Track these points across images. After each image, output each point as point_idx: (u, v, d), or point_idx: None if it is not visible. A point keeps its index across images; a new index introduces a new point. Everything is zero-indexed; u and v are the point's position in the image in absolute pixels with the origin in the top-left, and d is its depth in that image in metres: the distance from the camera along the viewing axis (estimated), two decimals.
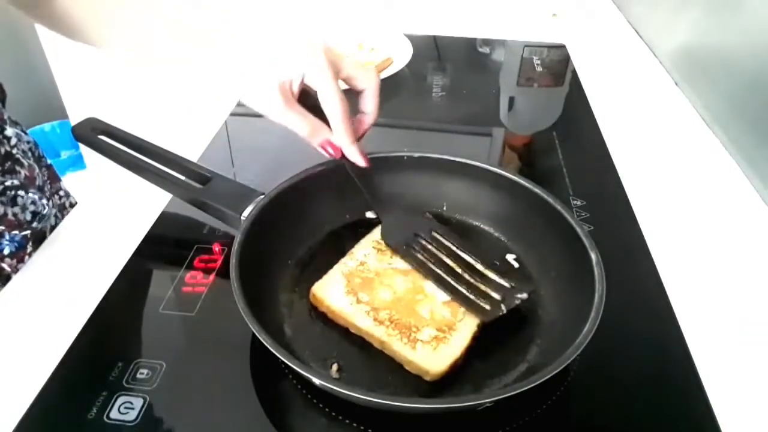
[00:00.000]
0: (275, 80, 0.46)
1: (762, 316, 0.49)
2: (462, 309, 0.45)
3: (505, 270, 0.47)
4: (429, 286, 0.46)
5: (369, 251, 0.50)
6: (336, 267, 0.49)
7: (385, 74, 0.85)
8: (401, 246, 0.49)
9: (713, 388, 0.42)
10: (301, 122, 0.47)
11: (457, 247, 0.48)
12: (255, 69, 0.46)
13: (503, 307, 0.44)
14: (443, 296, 0.46)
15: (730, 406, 0.41)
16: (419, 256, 0.48)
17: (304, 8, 1.14)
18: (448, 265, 0.47)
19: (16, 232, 0.56)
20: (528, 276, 0.49)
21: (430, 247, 0.49)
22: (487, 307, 0.44)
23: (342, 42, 0.96)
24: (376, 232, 0.52)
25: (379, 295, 0.46)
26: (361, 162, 0.49)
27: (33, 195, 0.59)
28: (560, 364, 0.35)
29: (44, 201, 0.60)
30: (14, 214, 0.56)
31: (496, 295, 0.45)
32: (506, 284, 0.45)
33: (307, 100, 0.47)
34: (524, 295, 0.44)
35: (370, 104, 0.49)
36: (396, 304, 0.45)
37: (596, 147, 0.71)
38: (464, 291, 0.45)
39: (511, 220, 0.53)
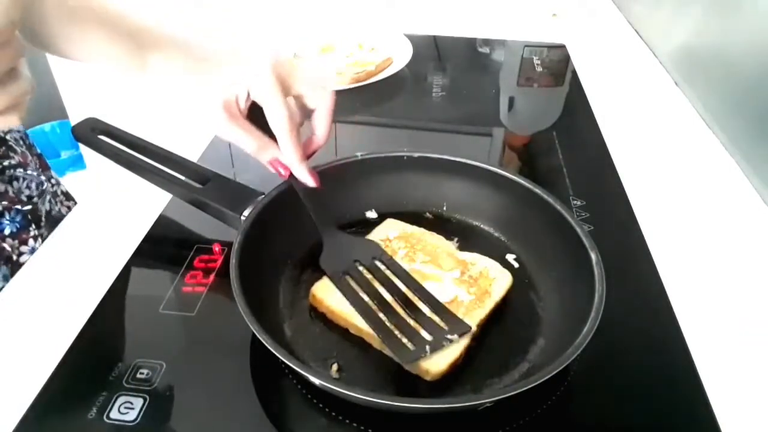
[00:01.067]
0: (219, 96, 0.45)
1: (762, 316, 0.49)
2: (462, 309, 0.44)
3: (444, 308, 0.44)
4: (428, 286, 0.46)
5: None
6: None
7: (384, 74, 0.85)
8: (336, 273, 0.46)
9: (713, 388, 0.42)
10: (246, 139, 0.46)
11: (399, 279, 0.46)
12: (200, 84, 0.46)
13: (428, 348, 0.40)
14: (443, 297, 0.45)
15: (730, 406, 0.41)
16: (352, 284, 0.45)
17: (272, 14, 1.13)
18: (381, 296, 0.44)
19: (18, 207, 0.57)
20: (462, 318, 0.44)
21: (367, 275, 0.46)
22: (411, 346, 0.40)
23: (342, 41, 0.96)
24: (376, 232, 0.52)
25: (380, 296, 0.45)
26: (309, 182, 0.47)
27: (31, 173, 0.59)
28: (560, 364, 0.35)
29: (42, 178, 0.61)
30: (14, 192, 0.57)
31: (425, 335, 0.41)
32: (440, 324, 0.42)
33: (261, 116, 0.45)
34: (455, 337, 0.41)
35: (320, 125, 0.47)
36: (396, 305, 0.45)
37: (596, 147, 0.71)
38: (390, 326, 0.42)
39: (512, 220, 0.53)
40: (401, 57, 0.89)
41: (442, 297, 0.45)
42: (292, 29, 1.02)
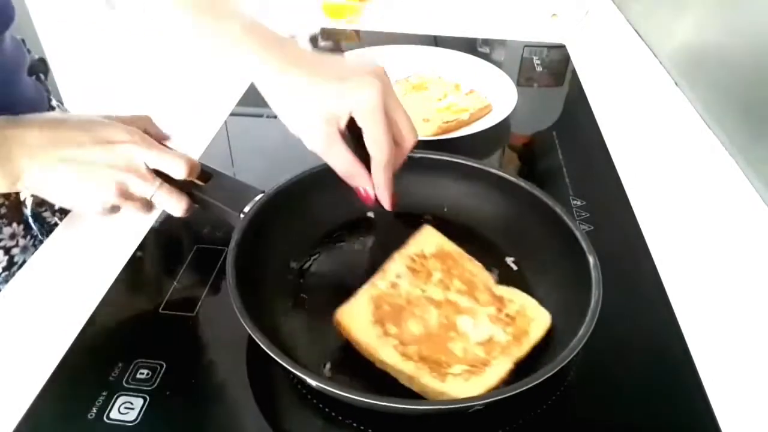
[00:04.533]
0: (323, 109, 0.43)
1: (762, 316, 0.49)
2: (497, 349, 0.41)
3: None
4: (462, 322, 0.43)
5: (402, 271, 0.47)
6: (365, 288, 0.45)
7: (479, 126, 0.70)
8: None
9: (713, 388, 0.42)
10: (343, 162, 0.46)
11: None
12: (300, 93, 0.44)
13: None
14: (477, 336, 0.42)
15: (730, 406, 0.41)
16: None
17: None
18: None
19: None
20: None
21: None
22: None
23: (436, 78, 0.83)
24: (413, 245, 0.49)
25: (409, 328, 0.43)
26: (388, 206, 0.48)
27: None
28: (553, 368, 0.35)
29: None
30: None
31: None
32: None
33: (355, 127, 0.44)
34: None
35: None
36: (426, 340, 0.42)
37: (596, 147, 0.71)
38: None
39: (511, 222, 0.52)
40: (503, 105, 0.73)
41: (476, 335, 0.43)
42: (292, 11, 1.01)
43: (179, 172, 0.45)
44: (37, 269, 0.52)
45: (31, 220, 0.59)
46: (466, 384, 0.39)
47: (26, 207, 0.59)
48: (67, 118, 0.46)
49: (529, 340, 0.42)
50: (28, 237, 0.59)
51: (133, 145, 0.44)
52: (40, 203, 0.60)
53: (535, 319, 0.44)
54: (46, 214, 0.61)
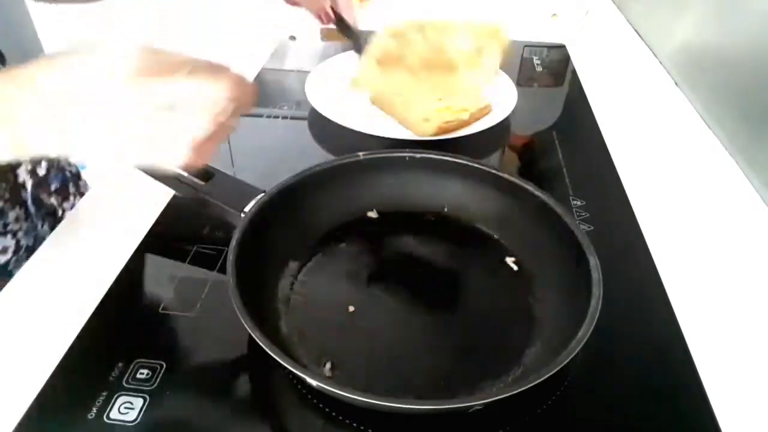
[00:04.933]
0: None
1: (762, 316, 0.49)
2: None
3: None
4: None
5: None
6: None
7: (479, 126, 0.70)
8: None
9: (713, 388, 0.42)
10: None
11: None
12: None
13: None
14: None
15: (730, 406, 0.41)
16: None
17: None
18: None
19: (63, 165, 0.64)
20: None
21: None
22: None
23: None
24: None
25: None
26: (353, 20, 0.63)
27: None
28: (551, 369, 0.36)
29: None
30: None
31: None
32: None
33: None
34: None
35: None
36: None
37: (596, 147, 0.71)
38: None
39: (511, 223, 0.53)
40: (503, 106, 0.73)
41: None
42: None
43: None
44: (37, 269, 0.52)
45: (30, 202, 0.59)
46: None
47: (25, 189, 0.59)
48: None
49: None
50: (29, 220, 0.59)
51: None
52: (37, 184, 0.60)
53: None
54: (44, 196, 0.62)
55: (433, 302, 0.48)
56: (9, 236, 0.57)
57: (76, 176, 0.69)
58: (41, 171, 0.63)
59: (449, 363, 0.43)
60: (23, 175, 0.59)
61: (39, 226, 0.61)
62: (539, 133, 0.76)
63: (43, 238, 0.55)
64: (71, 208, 0.65)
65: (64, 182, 0.64)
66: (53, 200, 0.62)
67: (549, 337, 0.44)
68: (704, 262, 0.54)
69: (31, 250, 0.50)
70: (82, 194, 0.68)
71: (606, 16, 1.11)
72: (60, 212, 0.64)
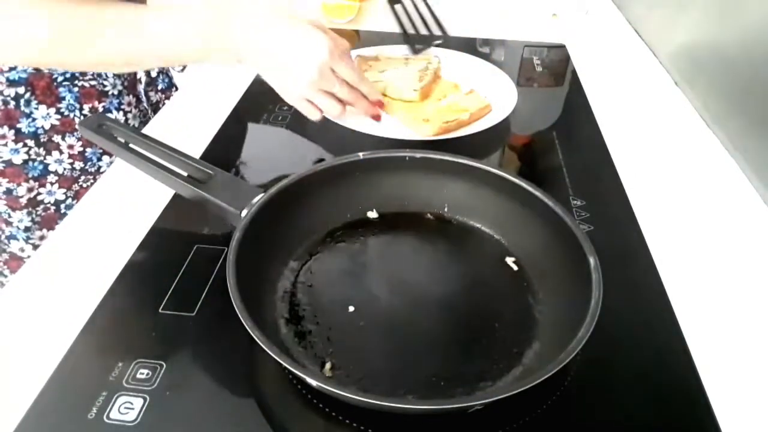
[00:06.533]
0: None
1: (762, 316, 0.49)
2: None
3: None
4: None
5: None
6: None
7: (479, 126, 0.70)
8: None
9: (713, 388, 0.42)
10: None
11: None
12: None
13: None
14: None
15: (730, 406, 0.41)
16: None
17: None
18: None
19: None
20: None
21: None
22: None
23: (439, 79, 0.81)
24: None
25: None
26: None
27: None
28: (551, 369, 0.36)
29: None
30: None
31: None
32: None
33: None
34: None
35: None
36: None
37: (596, 147, 0.71)
38: None
39: (512, 223, 0.53)
40: (503, 105, 0.73)
41: None
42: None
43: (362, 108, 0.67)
44: (37, 269, 0.52)
45: (142, 95, 0.80)
46: None
47: (141, 83, 0.80)
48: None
49: None
50: (140, 107, 0.79)
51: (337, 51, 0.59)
52: (150, 82, 0.82)
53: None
54: (151, 93, 0.84)
55: (433, 302, 0.48)
56: (121, 113, 0.75)
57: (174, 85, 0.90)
58: (153, 73, 0.83)
59: (449, 363, 0.43)
60: (140, 73, 0.79)
61: (148, 113, 0.82)
62: (539, 133, 0.76)
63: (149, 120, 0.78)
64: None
65: (168, 85, 0.87)
66: (159, 96, 0.84)
67: (549, 337, 0.44)
68: (704, 262, 0.54)
69: (136, 130, 0.57)
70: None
71: (606, 16, 1.12)
72: (161, 106, 0.84)
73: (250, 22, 0.56)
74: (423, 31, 0.84)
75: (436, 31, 0.84)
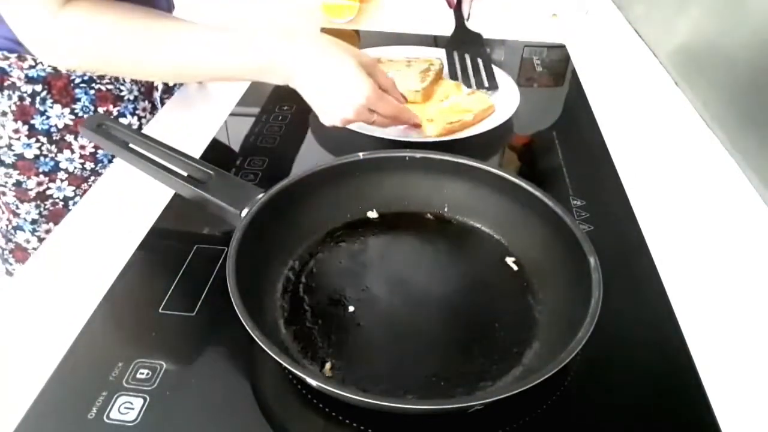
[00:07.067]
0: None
1: (762, 316, 0.49)
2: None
3: None
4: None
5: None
6: None
7: (483, 126, 0.70)
8: None
9: (713, 388, 0.42)
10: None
11: None
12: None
13: None
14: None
15: (730, 406, 0.41)
16: None
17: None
18: None
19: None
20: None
21: None
22: None
23: (444, 80, 0.81)
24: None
25: None
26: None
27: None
28: (551, 369, 0.36)
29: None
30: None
31: None
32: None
33: None
34: None
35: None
36: None
37: (596, 147, 0.71)
38: None
39: (512, 223, 0.53)
40: (506, 106, 0.73)
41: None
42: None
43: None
44: (36, 270, 0.52)
45: (158, 101, 0.81)
46: None
47: (157, 90, 0.81)
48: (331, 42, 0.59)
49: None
50: (154, 114, 0.78)
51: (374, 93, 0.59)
52: (166, 90, 0.83)
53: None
54: (167, 100, 0.82)
55: (433, 302, 0.48)
56: (135, 118, 0.77)
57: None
58: (170, 83, 0.84)
59: (449, 363, 0.43)
60: (158, 82, 0.80)
61: None
62: (539, 133, 0.76)
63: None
64: None
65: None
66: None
67: (549, 337, 0.44)
68: (704, 262, 0.54)
69: (136, 130, 0.58)
70: None
71: (606, 16, 1.12)
72: None
73: (305, 50, 0.57)
74: (473, 78, 0.82)
75: (485, 82, 0.80)
